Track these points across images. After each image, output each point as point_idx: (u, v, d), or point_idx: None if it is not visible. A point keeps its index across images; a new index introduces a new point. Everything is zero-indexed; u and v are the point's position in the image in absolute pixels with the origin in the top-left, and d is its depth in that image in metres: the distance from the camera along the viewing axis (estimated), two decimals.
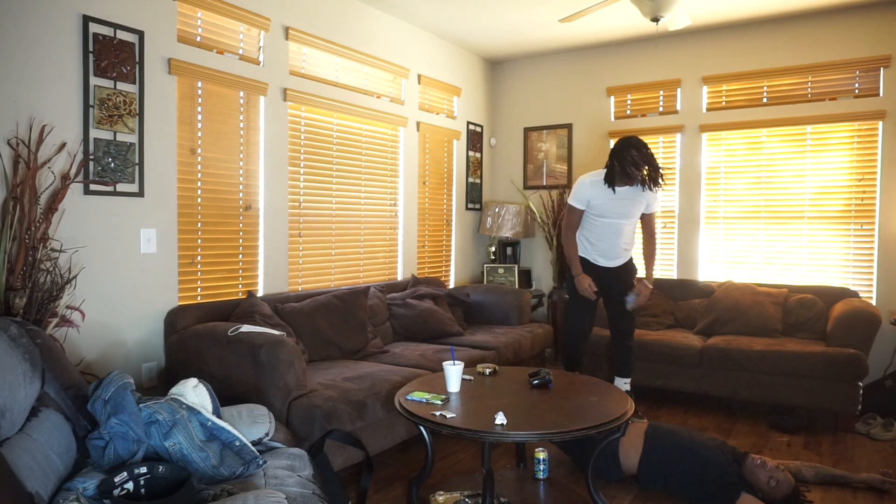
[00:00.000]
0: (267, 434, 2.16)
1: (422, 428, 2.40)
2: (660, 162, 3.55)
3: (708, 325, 4.33)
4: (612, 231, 3.60)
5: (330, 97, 4.11)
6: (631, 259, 3.75)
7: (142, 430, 1.81)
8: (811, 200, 4.59)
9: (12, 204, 2.48)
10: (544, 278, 5.73)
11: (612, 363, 3.87)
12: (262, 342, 2.71)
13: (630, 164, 3.37)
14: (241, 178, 3.58)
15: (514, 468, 3.08)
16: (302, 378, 2.76)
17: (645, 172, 3.43)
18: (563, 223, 3.72)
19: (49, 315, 2.56)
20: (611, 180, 3.46)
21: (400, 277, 4.85)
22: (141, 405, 1.87)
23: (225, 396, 2.49)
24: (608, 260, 3.66)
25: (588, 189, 3.54)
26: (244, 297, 3.46)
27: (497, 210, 5.54)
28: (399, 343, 4.04)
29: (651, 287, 3.64)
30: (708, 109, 4.96)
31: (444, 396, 2.52)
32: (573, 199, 3.61)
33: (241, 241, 3.60)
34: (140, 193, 3.04)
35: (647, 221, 3.71)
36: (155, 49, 3.08)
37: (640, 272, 3.78)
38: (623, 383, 3.78)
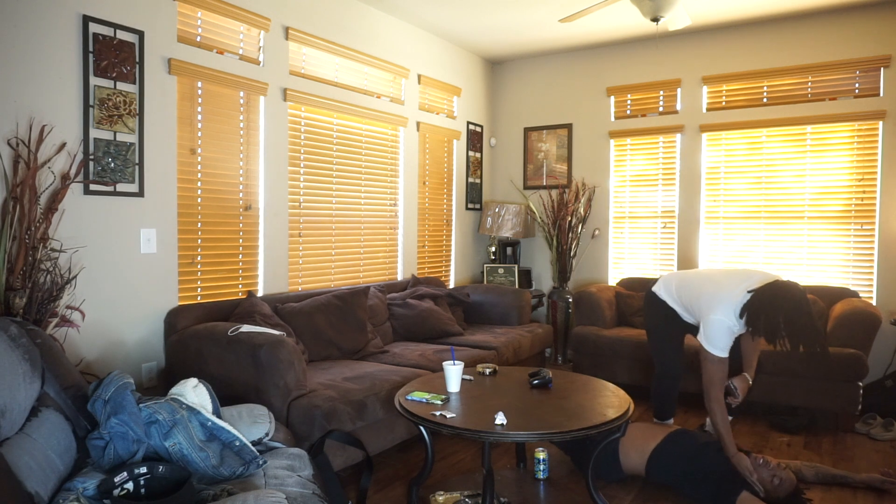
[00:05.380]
0: (267, 434, 2.16)
1: (422, 428, 2.40)
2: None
3: None
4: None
5: (330, 97, 4.11)
6: None
7: (142, 430, 1.81)
8: (811, 200, 4.59)
9: (12, 204, 2.48)
10: (544, 278, 5.72)
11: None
12: (262, 342, 2.71)
13: (781, 334, 2.66)
14: (241, 178, 3.58)
15: (514, 468, 3.08)
16: (302, 378, 2.76)
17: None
18: (708, 381, 2.87)
19: (49, 315, 2.56)
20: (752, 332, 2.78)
21: (400, 277, 4.85)
22: (141, 405, 1.87)
23: (225, 396, 2.49)
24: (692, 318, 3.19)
25: (735, 335, 2.87)
26: (244, 297, 3.46)
27: (497, 210, 5.54)
28: (399, 343, 4.04)
29: (749, 382, 3.06)
30: (708, 109, 4.96)
31: (444, 396, 2.52)
32: (720, 350, 2.83)
33: (241, 241, 3.59)
34: (140, 193, 3.04)
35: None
36: (155, 49, 3.08)
37: None
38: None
